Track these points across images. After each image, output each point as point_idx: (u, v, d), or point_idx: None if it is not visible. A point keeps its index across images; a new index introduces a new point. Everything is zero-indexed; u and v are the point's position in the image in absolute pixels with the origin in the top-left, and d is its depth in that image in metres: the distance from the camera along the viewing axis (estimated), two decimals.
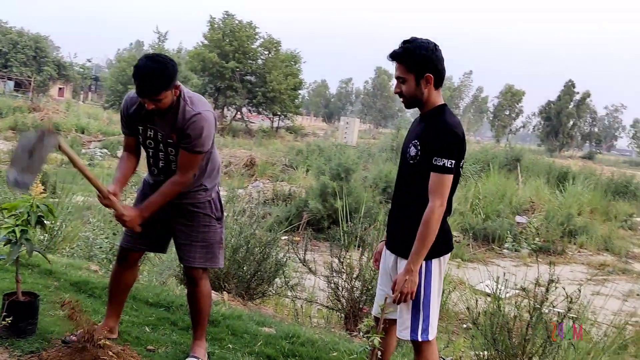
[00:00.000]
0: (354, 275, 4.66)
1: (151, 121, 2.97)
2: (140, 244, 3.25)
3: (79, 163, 2.82)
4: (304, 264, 5.06)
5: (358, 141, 35.94)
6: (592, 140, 77.08)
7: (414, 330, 2.62)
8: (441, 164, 2.54)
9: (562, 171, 25.46)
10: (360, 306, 4.65)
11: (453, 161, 2.54)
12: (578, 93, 70.36)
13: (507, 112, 75.08)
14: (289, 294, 5.28)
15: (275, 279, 5.14)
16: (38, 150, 2.67)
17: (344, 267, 4.70)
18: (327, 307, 5.00)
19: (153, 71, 2.76)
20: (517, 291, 5.15)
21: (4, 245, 3.30)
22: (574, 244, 14.74)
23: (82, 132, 25.26)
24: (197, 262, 3.14)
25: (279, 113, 45.48)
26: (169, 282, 4.95)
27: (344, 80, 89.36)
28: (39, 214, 3.28)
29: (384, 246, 2.91)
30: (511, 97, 74.17)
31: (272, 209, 12.94)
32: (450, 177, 2.56)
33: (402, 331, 2.66)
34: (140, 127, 3.04)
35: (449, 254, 2.71)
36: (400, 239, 2.73)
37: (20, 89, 43.97)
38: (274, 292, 5.23)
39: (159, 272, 5.04)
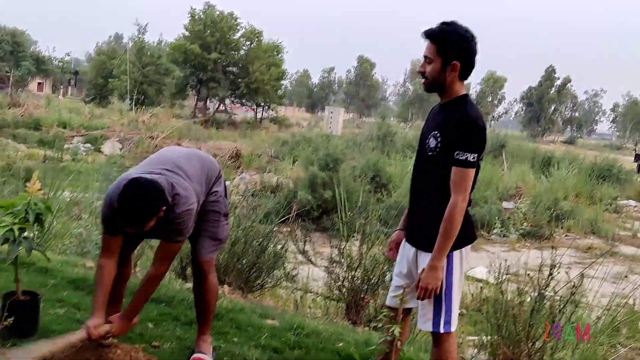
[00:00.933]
0: (355, 265, 4.65)
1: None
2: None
3: (43, 352, 2.73)
4: (303, 255, 5.04)
5: (343, 131, 35.90)
6: (573, 125, 77.91)
7: (435, 322, 2.60)
8: (463, 158, 2.49)
9: (546, 156, 25.74)
10: (362, 296, 4.64)
11: (475, 155, 2.50)
12: (559, 78, 71.07)
13: (490, 99, 75.56)
14: (289, 285, 5.27)
15: (274, 271, 5.11)
16: None
17: (344, 258, 4.69)
18: (328, 297, 4.99)
19: (136, 211, 2.66)
20: (508, 276, 5.18)
21: (2, 244, 3.23)
22: (561, 228, 14.91)
23: (64, 127, 24.85)
24: (207, 253, 3.16)
25: (262, 104, 45.25)
26: (166, 277, 4.89)
27: (326, 70, 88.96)
28: (37, 211, 3.23)
29: (401, 236, 2.89)
30: (493, 83, 74.62)
31: (262, 201, 12.89)
32: (473, 171, 2.52)
33: (424, 323, 2.63)
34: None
35: (470, 245, 2.68)
36: (419, 232, 2.70)
37: None
38: (273, 284, 5.21)
39: None
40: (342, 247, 4.74)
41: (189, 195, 2.86)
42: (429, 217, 2.61)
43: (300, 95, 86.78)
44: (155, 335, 3.41)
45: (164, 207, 2.74)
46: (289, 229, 10.30)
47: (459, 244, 2.58)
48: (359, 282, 4.67)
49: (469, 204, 2.59)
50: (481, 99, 74.55)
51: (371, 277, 4.59)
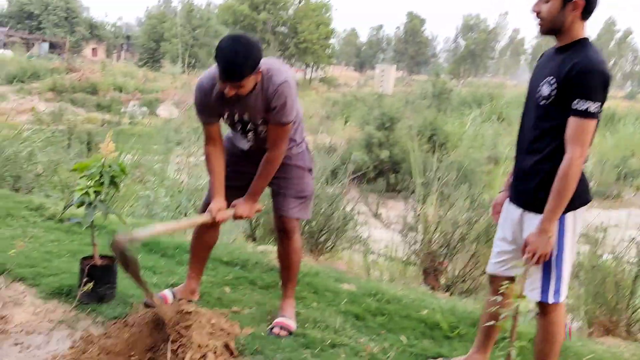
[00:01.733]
0: (433, 229, 4.43)
1: (236, 103, 2.74)
2: (227, 200, 3.07)
3: (168, 229, 2.81)
4: (376, 218, 4.85)
5: (394, 89, 35.18)
6: (633, 80, 74.45)
7: (544, 290, 2.36)
8: (584, 107, 2.19)
9: (608, 112, 24.58)
10: (440, 260, 4.43)
11: (598, 104, 2.20)
12: (619, 31, 67.75)
13: None
14: (359, 248, 5.11)
15: (344, 234, 4.96)
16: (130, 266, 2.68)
17: (420, 221, 4.48)
18: (404, 261, 4.81)
19: (238, 55, 2.51)
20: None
21: (77, 207, 3.17)
22: (630, 186, 14.26)
23: (120, 91, 25.31)
24: (291, 212, 3.00)
25: (311, 64, 44.80)
26: (237, 238, 4.81)
27: (375, 28, 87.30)
28: (112, 173, 3.13)
29: (506, 198, 2.65)
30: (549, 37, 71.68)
31: (320, 162, 12.77)
32: (594, 122, 2.22)
33: (531, 291, 2.39)
34: (226, 112, 2.83)
35: (586, 206, 2.41)
36: (527, 192, 2.42)
37: (55, 50, 44.17)
38: (342, 247, 5.06)
39: (228, 230, 4.90)
40: (418, 209, 4.52)
41: (282, 69, 2.76)
42: (539, 175, 2.35)
43: (348, 55, 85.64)
44: (233, 299, 3.31)
45: (260, 70, 2.63)
46: (345, 191, 10.15)
47: (573, 205, 2.32)
48: (436, 246, 4.45)
49: (585, 161, 2.32)
50: (537, 53, 71.79)
51: (450, 240, 4.37)
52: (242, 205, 2.89)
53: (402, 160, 13.54)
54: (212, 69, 2.74)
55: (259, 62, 2.59)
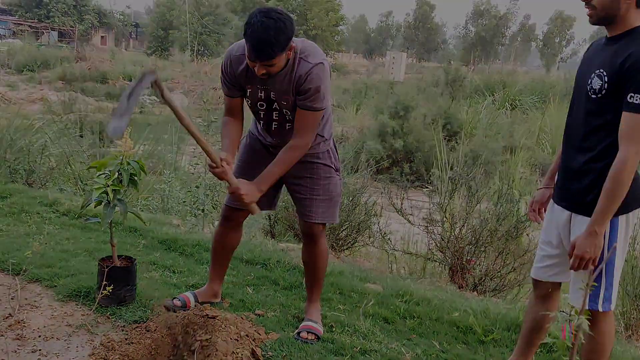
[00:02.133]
0: (461, 225, 4.27)
1: (262, 80, 2.56)
2: None
3: (186, 120, 2.41)
4: (399, 213, 4.70)
5: (404, 77, 34.76)
6: None
7: (593, 298, 2.20)
8: (639, 102, 2.04)
9: None
10: (468, 258, 4.28)
11: None
12: None
13: (557, 40, 71.78)
14: (380, 244, 4.95)
15: (366, 230, 4.81)
16: (135, 91, 2.33)
17: (447, 216, 4.32)
18: (427, 257, 4.66)
19: (269, 31, 2.32)
20: None
21: (95, 206, 3.05)
22: None
23: (130, 80, 25.19)
24: (319, 218, 2.82)
25: None
26: (256, 236, 4.68)
27: (384, 14, 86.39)
28: (131, 171, 3.01)
29: (545, 195, 2.49)
30: (561, 23, 70.67)
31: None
32: None
33: (579, 299, 2.24)
34: (249, 89, 2.65)
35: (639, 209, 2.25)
36: (575, 193, 2.26)
37: (64, 39, 44.07)
38: (364, 242, 4.92)
39: (247, 225, 4.76)
40: (445, 204, 4.35)
41: (319, 52, 2.58)
42: (589, 175, 2.19)
43: (356, 42, 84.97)
44: (256, 301, 3.19)
45: (293, 45, 2.45)
46: (366, 184, 9.98)
47: (627, 206, 2.16)
48: (464, 242, 4.29)
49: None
50: (549, 39, 70.98)
51: (479, 237, 4.21)
52: (246, 185, 2.59)
53: (417, 150, 13.34)
54: (244, 40, 2.54)
55: (291, 39, 2.42)
